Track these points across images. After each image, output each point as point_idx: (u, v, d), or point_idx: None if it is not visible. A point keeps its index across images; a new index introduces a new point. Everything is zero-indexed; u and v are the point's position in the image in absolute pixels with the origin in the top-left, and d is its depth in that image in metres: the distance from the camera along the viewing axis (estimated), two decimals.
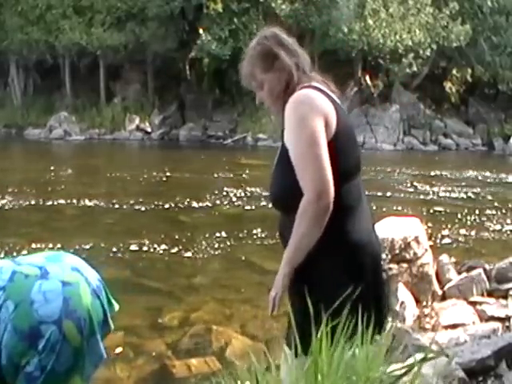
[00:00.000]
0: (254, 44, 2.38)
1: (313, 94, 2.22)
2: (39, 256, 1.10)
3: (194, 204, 12.01)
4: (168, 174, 16.29)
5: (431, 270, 5.84)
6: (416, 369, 1.52)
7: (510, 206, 12.60)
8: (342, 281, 2.06)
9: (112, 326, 1.10)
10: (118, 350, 5.30)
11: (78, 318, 1.05)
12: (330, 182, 2.09)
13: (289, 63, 2.30)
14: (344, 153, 2.20)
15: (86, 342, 1.07)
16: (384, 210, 11.25)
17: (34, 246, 8.32)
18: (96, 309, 1.07)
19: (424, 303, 5.63)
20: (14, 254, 7.87)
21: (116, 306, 1.15)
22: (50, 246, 8.42)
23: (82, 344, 1.06)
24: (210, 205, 12.03)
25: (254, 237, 9.31)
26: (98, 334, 1.08)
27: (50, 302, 1.03)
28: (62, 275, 1.06)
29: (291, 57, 2.32)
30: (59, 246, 8.41)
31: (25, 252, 7.98)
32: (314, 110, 2.17)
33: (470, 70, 29.47)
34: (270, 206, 2.38)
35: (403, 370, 1.57)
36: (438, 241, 9.14)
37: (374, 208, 11.78)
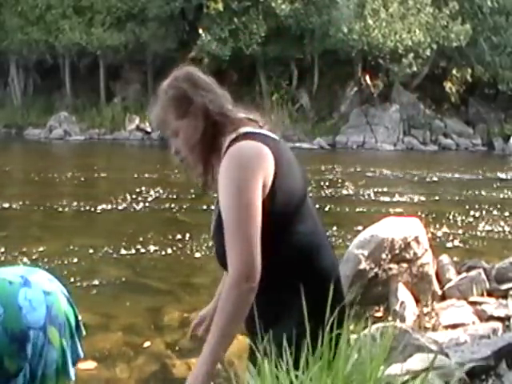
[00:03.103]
0: (165, 87, 2.13)
1: (247, 151, 2.00)
2: (17, 267, 1.19)
3: (194, 204, 12.01)
4: (168, 174, 16.29)
5: (431, 270, 5.84)
6: (423, 376, 1.52)
7: (510, 206, 12.60)
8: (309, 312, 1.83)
9: (84, 331, 1.19)
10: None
11: (59, 323, 1.14)
12: (256, 265, 1.94)
13: (205, 107, 2.07)
14: (289, 191, 2.06)
15: (66, 344, 1.16)
16: (384, 210, 11.25)
17: (33, 246, 8.32)
18: (71, 315, 1.18)
19: (424, 303, 5.64)
20: (14, 254, 7.87)
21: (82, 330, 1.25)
22: (50, 246, 8.42)
23: (63, 346, 1.15)
24: (210, 205, 12.02)
25: None
26: (76, 336, 1.18)
27: (35, 310, 1.11)
28: (42, 285, 1.15)
29: (208, 100, 2.10)
30: (59, 246, 8.41)
31: (24, 252, 7.98)
32: (250, 173, 1.96)
33: (470, 70, 29.50)
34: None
35: (406, 377, 1.56)
36: (437, 241, 9.13)
37: (374, 208, 11.78)
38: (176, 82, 2.12)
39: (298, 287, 1.94)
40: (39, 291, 1.14)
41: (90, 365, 4.75)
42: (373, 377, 1.46)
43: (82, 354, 1.19)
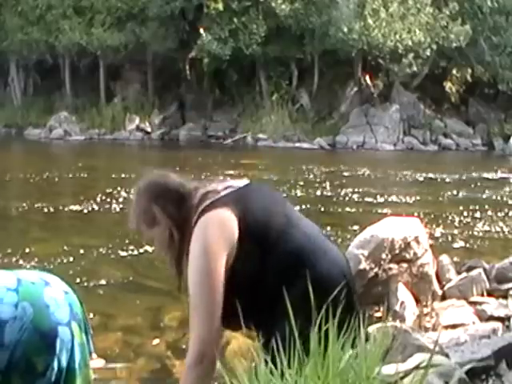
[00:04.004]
0: (135, 197, 2.32)
1: (204, 227, 2.14)
2: (27, 270, 1.24)
3: None
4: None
5: (431, 270, 5.84)
6: (422, 374, 1.52)
7: (510, 205, 12.60)
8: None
9: (91, 329, 1.26)
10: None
11: (79, 319, 1.21)
12: (214, 344, 2.07)
13: (166, 215, 2.24)
14: (264, 226, 2.19)
15: (85, 339, 1.24)
16: (384, 210, 11.25)
17: (34, 246, 8.32)
18: (83, 313, 1.21)
19: (424, 303, 5.64)
20: (15, 254, 7.87)
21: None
22: (50, 245, 8.42)
23: (84, 340, 1.22)
24: None
25: None
26: (88, 332, 1.22)
27: (60, 307, 1.17)
28: (60, 285, 1.19)
29: (172, 208, 2.24)
30: (59, 245, 8.41)
31: (24, 252, 7.97)
32: (210, 248, 2.10)
33: (470, 70, 29.48)
34: None
35: (401, 375, 1.56)
36: (438, 241, 9.13)
37: (374, 208, 11.78)
38: (139, 196, 2.30)
39: (298, 301, 1.97)
40: (60, 290, 1.18)
41: (99, 363, 4.75)
42: (368, 375, 1.46)
43: (92, 349, 1.24)
